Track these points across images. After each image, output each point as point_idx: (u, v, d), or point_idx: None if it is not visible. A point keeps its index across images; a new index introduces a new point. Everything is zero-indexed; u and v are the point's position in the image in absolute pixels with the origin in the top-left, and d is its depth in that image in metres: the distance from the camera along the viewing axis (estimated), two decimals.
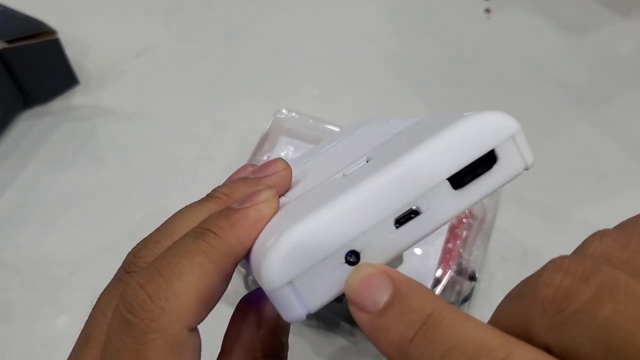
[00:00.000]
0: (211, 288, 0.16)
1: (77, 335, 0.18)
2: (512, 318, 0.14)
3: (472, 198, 0.16)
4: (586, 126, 0.50)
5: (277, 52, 0.55)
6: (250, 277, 0.37)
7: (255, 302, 0.18)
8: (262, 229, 0.17)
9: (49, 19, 0.48)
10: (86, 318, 0.19)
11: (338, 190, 0.16)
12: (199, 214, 0.18)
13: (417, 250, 0.36)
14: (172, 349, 0.15)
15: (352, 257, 0.15)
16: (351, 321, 0.37)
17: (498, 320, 0.15)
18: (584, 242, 0.14)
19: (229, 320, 0.19)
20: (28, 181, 0.45)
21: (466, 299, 0.37)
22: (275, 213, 0.17)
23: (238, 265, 0.19)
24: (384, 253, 0.16)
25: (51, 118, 0.49)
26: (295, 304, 0.15)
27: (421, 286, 0.14)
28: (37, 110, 0.49)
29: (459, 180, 0.16)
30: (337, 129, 0.41)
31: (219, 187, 0.20)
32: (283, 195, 0.20)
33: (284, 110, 0.42)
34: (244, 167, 0.22)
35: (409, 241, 0.16)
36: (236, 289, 0.38)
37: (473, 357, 0.12)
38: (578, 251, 0.14)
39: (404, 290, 0.14)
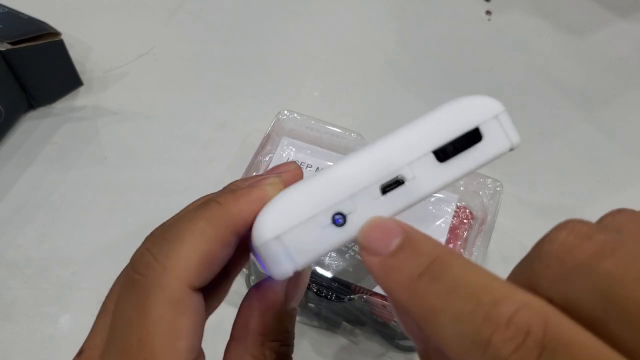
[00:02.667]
0: (211, 251, 0.17)
1: (79, 335, 0.19)
2: (517, 275, 0.15)
3: (456, 171, 0.17)
4: (586, 127, 0.50)
5: (279, 53, 0.55)
6: (252, 277, 0.37)
7: (261, 289, 0.19)
8: (263, 205, 0.18)
9: (53, 21, 0.48)
10: (88, 318, 0.19)
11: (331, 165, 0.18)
12: (211, 196, 0.20)
13: None
14: (173, 305, 0.16)
15: (340, 219, 0.17)
16: (352, 321, 0.37)
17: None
18: (600, 217, 0.15)
19: (231, 317, 0.20)
20: (31, 181, 0.45)
21: None
22: None
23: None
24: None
25: (55, 119, 0.49)
26: (282, 258, 0.16)
27: (430, 237, 0.15)
28: (40, 111, 0.50)
29: (443, 153, 0.17)
30: (338, 130, 0.41)
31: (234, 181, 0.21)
32: None
33: (285, 111, 0.42)
34: None
35: (394, 208, 0.17)
36: (238, 288, 0.38)
37: (475, 294, 0.13)
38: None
39: (414, 236, 0.15)
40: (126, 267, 0.18)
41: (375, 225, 0.16)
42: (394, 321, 0.34)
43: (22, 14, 0.47)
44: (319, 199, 0.17)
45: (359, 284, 0.34)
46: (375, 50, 0.55)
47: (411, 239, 0.15)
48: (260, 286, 0.20)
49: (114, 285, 0.19)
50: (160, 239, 0.17)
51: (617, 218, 0.15)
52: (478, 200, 0.38)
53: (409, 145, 0.17)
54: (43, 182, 0.45)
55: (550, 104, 0.51)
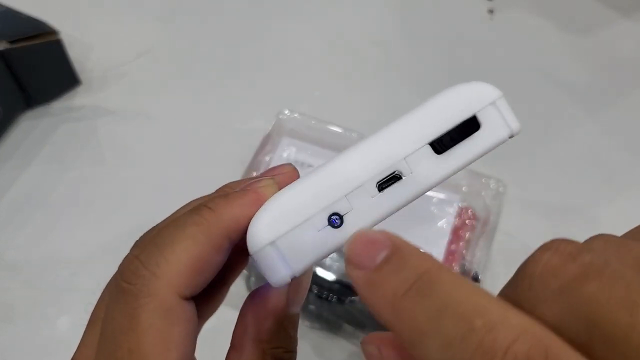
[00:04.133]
0: (202, 257, 0.16)
1: (79, 336, 0.19)
2: (503, 297, 0.14)
3: (456, 163, 0.16)
4: (590, 127, 0.49)
5: (279, 52, 0.54)
6: (252, 279, 0.37)
7: (261, 294, 0.19)
8: (257, 209, 0.17)
9: (51, 20, 0.48)
10: (86, 319, 0.19)
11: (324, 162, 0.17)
12: (202, 201, 0.19)
13: None
14: (163, 314, 0.16)
15: (336, 220, 0.16)
16: (354, 323, 0.37)
17: None
18: (587, 239, 0.14)
19: (231, 323, 0.19)
20: (30, 181, 0.45)
21: None
22: None
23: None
24: (368, 216, 0.16)
25: (53, 118, 0.49)
26: (278, 264, 0.15)
27: (420, 250, 0.14)
28: (39, 110, 0.49)
29: (440, 144, 0.16)
30: (339, 130, 0.41)
31: (227, 183, 0.21)
32: None
33: (286, 111, 0.42)
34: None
35: (393, 205, 0.16)
36: (238, 290, 0.38)
37: (467, 317, 0.12)
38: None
39: (402, 248, 0.14)
40: (114, 275, 0.17)
41: (361, 238, 0.14)
42: None
43: (21, 12, 0.47)
44: (314, 199, 0.16)
45: None
46: (376, 50, 0.55)
47: (399, 252, 0.14)
48: (259, 291, 0.19)
49: (102, 294, 0.18)
50: (150, 245, 0.17)
51: (602, 239, 0.14)
52: (481, 201, 0.37)
53: (404, 138, 0.16)
54: (42, 182, 0.45)
55: (553, 103, 0.51)
